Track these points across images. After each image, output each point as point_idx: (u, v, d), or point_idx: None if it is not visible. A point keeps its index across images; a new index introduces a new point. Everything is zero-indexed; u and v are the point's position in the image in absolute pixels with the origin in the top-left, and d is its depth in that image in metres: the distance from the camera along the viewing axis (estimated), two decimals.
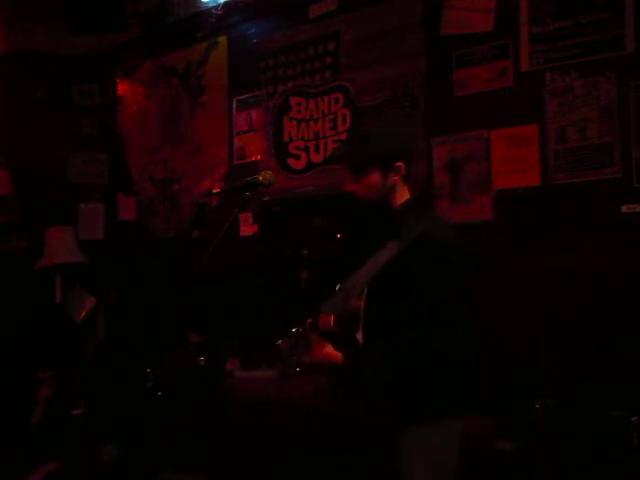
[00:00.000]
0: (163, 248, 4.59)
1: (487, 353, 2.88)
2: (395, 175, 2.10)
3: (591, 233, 2.83)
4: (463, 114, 3.23)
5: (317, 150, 3.78)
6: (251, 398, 3.24)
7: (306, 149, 3.83)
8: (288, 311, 2.40)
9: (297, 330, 2.04)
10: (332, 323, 1.99)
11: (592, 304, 2.77)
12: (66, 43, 4.78)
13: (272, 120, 4.01)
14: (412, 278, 1.95)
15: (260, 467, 2.95)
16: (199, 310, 3.84)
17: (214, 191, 4.03)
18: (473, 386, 2.16)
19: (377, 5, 3.50)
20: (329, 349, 2.01)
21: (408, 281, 1.95)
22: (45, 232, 4.44)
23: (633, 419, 2.36)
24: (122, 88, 4.96)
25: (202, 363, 3.53)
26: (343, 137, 3.65)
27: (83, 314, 4.29)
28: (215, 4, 4.18)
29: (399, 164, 2.10)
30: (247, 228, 4.09)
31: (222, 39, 4.33)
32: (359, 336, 2.06)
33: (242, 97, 4.22)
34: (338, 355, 2.00)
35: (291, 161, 3.91)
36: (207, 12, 4.23)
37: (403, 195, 2.14)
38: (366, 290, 2.02)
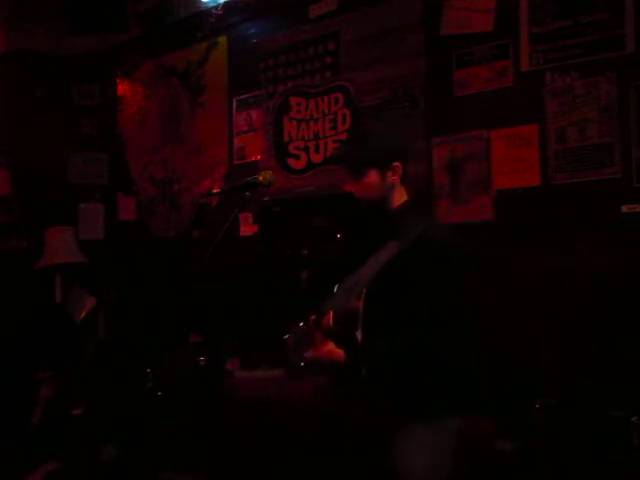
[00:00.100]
0: (163, 248, 4.60)
1: (487, 353, 2.88)
2: (393, 175, 2.11)
3: (591, 233, 2.83)
4: (463, 114, 3.23)
5: (317, 150, 3.78)
6: (251, 398, 3.24)
7: (306, 149, 3.83)
8: (288, 311, 2.40)
9: (301, 326, 2.06)
10: (331, 322, 2.00)
11: (592, 304, 2.77)
12: (66, 43, 4.78)
13: (272, 120, 4.01)
14: (412, 278, 1.96)
15: (260, 467, 2.95)
16: (199, 310, 3.84)
17: (214, 191, 4.03)
18: (472, 385, 2.17)
19: (377, 5, 3.50)
20: (331, 346, 2.03)
21: (408, 281, 1.96)
22: (45, 232, 4.44)
23: (633, 419, 2.36)
24: (122, 88, 4.96)
25: (202, 363, 3.53)
26: (343, 137, 3.65)
27: (83, 314, 4.28)
28: (215, 4, 4.18)
29: (397, 164, 2.11)
30: (247, 228, 4.09)
31: (222, 39, 4.34)
32: (358, 335, 2.06)
33: (242, 97, 4.22)
34: (340, 352, 2.02)
35: (291, 161, 3.91)
36: (207, 12, 4.23)
37: (401, 195, 2.15)
38: (365, 290, 2.03)
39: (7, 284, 4.32)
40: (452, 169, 3.25)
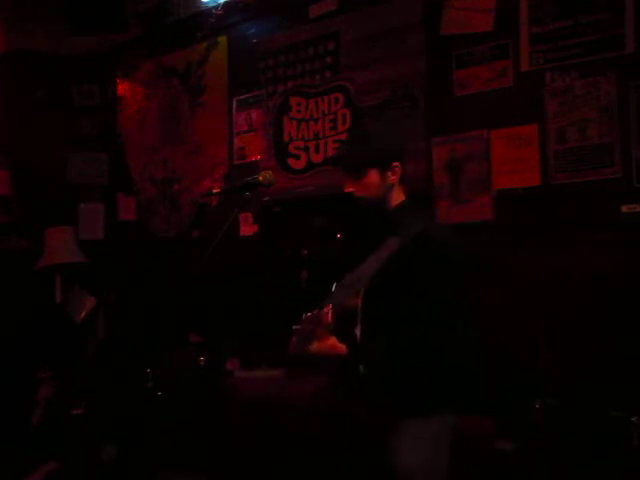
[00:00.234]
0: (163, 248, 4.60)
1: (487, 353, 2.89)
2: (393, 175, 2.12)
3: (591, 233, 2.83)
4: (463, 114, 3.23)
5: (317, 150, 3.78)
6: (251, 398, 3.24)
7: (306, 149, 3.83)
8: (288, 311, 2.40)
9: (309, 317, 2.08)
10: (329, 317, 2.02)
11: (592, 304, 2.77)
12: (66, 43, 4.78)
13: (272, 120, 4.01)
14: (412, 276, 1.97)
15: (260, 467, 2.95)
16: (199, 310, 3.84)
17: (214, 191, 4.02)
18: (469, 382, 2.19)
19: (377, 5, 3.50)
20: (333, 340, 2.05)
21: (408, 279, 1.97)
22: (45, 232, 4.44)
23: (633, 419, 2.36)
24: (122, 88, 4.96)
25: (202, 363, 3.53)
26: (343, 137, 3.65)
27: (83, 314, 4.28)
28: (215, 4, 4.18)
29: (397, 164, 2.12)
30: (247, 228, 4.09)
31: (222, 39, 4.34)
32: (357, 332, 2.07)
33: (242, 97, 4.22)
34: (342, 347, 2.03)
35: (291, 161, 3.91)
36: (207, 12, 4.23)
37: (399, 195, 2.16)
38: (364, 287, 2.04)
39: (7, 284, 4.32)
40: (452, 169, 3.25)
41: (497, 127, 3.12)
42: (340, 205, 2.28)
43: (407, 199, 2.18)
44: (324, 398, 2.89)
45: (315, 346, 2.05)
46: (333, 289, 2.15)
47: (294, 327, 2.12)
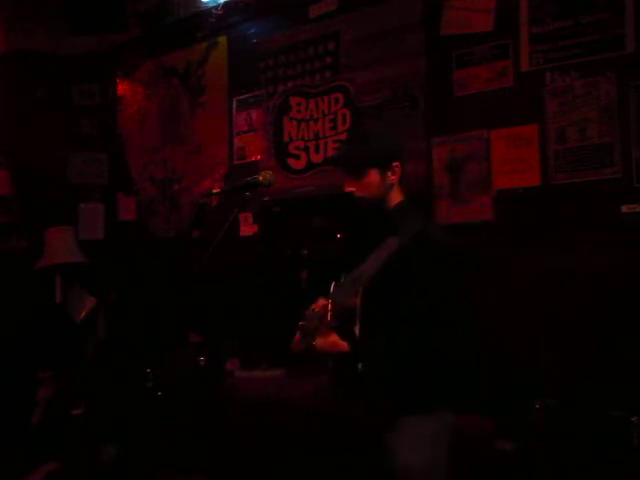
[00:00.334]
0: (163, 248, 4.60)
1: (487, 353, 2.89)
2: (393, 175, 2.13)
3: (591, 233, 2.83)
4: (463, 114, 3.23)
5: (317, 150, 3.78)
6: (251, 398, 3.24)
7: (306, 149, 3.83)
8: (288, 311, 2.40)
9: (313, 313, 2.08)
10: (329, 316, 2.03)
11: (592, 304, 2.77)
12: (66, 43, 4.78)
13: (272, 120, 4.01)
14: (412, 276, 1.97)
15: (260, 467, 2.95)
16: (199, 310, 3.84)
17: (214, 191, 4.03)
18: (469, 382, 2.20)
19: (377, 5, 3.50)
20: (335, 337, 2.06)
21: (408, 278, 1.97)
22: (45, 232, 4.44)
23: (633, 419, 2.36)
24: (122, 88, 4.96)
25: (202, 363, 3.53)
26: (343, 137, 3.65)
27: (83, 314, 4.28)
28: (215, 4, 4.18)
29: (397, 164, 2.13)
30: (247, 228, 4.09)
31: (222, 39, 4.34)
32: (356, 330, 2.08)
33: (242, 97, 4.22)
34: (344, 344, 2.05)
35: (291, 161, 3.91)
36: (207, 12, 4.23)
37: (397, 195, 2.17)
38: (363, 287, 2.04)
39: (7, 284, 4.32)
40: (452, 169, 3.25)
41: (497, 127, 3.12)
42: (340, 205, 2.28)
43: (406, 199, 2.19)
44: (324, 398, 2.89)
45: (319, 342, 2.06)
46: (332, 288, 2.16)
47: (299, 323, 2.13)
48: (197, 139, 4.48)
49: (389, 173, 2.13)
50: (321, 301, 2.20)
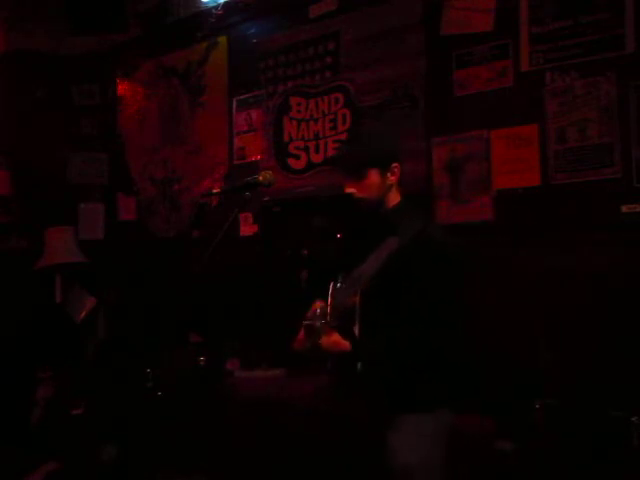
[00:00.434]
0: (163, 248, 4.60)
1: (487, 353, 2.89)
2: (392, 176, 2.14)
3: (591, 233, 2.83)
4: (463, 114, 3.23)
5: (317, 150, 3.78)
6: (251, 398, 3.24)
7: (306, 149, 3.83)
8: (288, 311, 2.40)
9: (318, 313, 2.09)
10: (329, 316, 2.04)
11: (592, 304, 2.77)
12: (66, 43, 4.78)
13: (272, 120, 4.01)
14: (412, 276, 1.98)
15: (260, 467, 2.95)
16: (199, 310, 3.84)
17: (214, 191, 4.03)
18: (468, 381, 2.21)
19: (377, 5, 3.50)
20: (337, 337, 2.07)
21: (408, 278, 1.98)
22: (45, 232, 4.44)
23: (633, 419, 2.36)
24: (122, 88, 4.96)
25: (202, 363, 3.53)
26: (343, 137, 3.65)
27: (83, 314, 4.28)
28: (215, 4, 4.18)
29: (396, 165, 2.15)
30: (247, 228, 4.09)
31: (222, 39, 4.34)
32: (355, 330, 2.09)
33: (242, 97, 4.22)
34: (346, 343, 2.05)
35: (291, 161, 3.91)
36: (207, 12, 4.23)
37: (395, 196, 2.19)
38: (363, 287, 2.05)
39: (7, 284, 4.32)
40: (452, 169, 3.25)
41: (497, 127, 3.12)
42: (340, 205, 2.28)
43: (404, 199, 2.20)
44: (324, 398, 2.89)
45: (324, 341, 2.07)
46: (332, 288, 2.16)
47: (304, 322, 2.12)
48: (197, 139, 4.48)
49: (388, 174, 2.15)
50: (319, 303, 2.20)
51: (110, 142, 5.00)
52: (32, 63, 4.84)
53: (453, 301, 2.05)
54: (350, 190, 2.16)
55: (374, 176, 2.13)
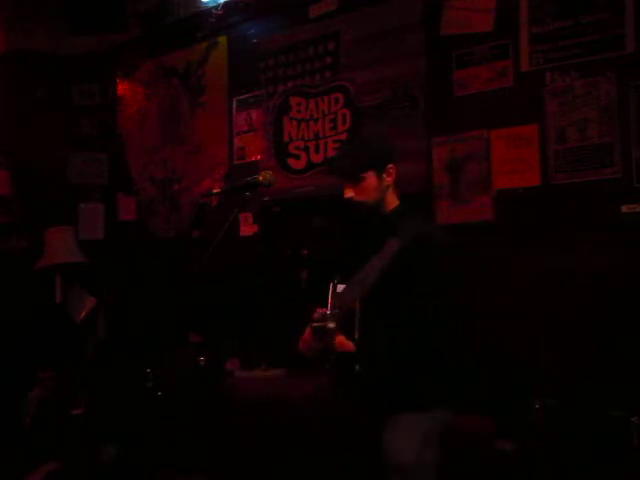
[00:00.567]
0: (163, 248, 4.60)
1: (487, 353, 2.89)
2: (388, 177, 2.16)
3: (591, 233, 2.83)
4: (463, 114, 3.23)
5: (317, 150, 3.78)
6: (251, 398, 3.24)
7: (306, 149, 3.83)
8: (288, 311, 2.40)
9: (328, 314, 2.09)
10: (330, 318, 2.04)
11: (592, 304, 2.77)
12: (66, 43, 4.78)
13: (272, 120, 4.01)
14: (413, 276, 1.98)
15: (260, 467, 2.95)
16: (199, 310, 3.84)
17: (214, 191, 4.03)
18: (465, 380, 2.22)
19: (377, 5, 3.50)
20: (342, 338, 2.09)
21: (409, 279, 1.98)
22: (45, 232, 4.44)
23: (633, 419, 2.36)
24: (122, 88, 4.95)
25: (202, 363, 3.53)
26: (343, 137, 3.65)
27: (83, 314, 4.28)
28: (215, 4, 4.18)
29: (391, 166, 2.16)
30: (247, 228, 4.09)
31: (222, 39, 4.33)
32: (355, 332, 2.09)
33: (242, 97, 4.22)
34: (350, 344, 2.05)
35: (291, 161, 3.91)
36: (207, 12, 4.23)
37: (393, 197, 2.20)
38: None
39: (7, 284, 4.32)
40: (452, 169, 3.25)
41: (497, 127, 3.12)
42: (340, 205, 2.29)
43: (403, 200, 2.21)
44: (324, 398, 2.89)
45: (337, 342, 2.06)
46: (332, 289, 2.16)
47: (314, 325, 2.12)
48: (197, 139, 4.48)
49: (385, 175, 2.17)
50: (320, 309, 2.20)
51: (110, 142, 5.00)
52: (32, 63, 4.84)
53: (453, 301, 2.06)
54: (349, 194, 2.17)
55: (371, 179, 2.15)
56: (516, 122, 3.06)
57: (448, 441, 2.21)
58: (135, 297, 4.40)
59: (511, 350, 2.91)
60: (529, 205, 3.01)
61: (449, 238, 2.18)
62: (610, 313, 2.73)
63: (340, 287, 2.15)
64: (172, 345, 3.74)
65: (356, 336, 2.08)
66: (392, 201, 2.21)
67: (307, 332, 2.22)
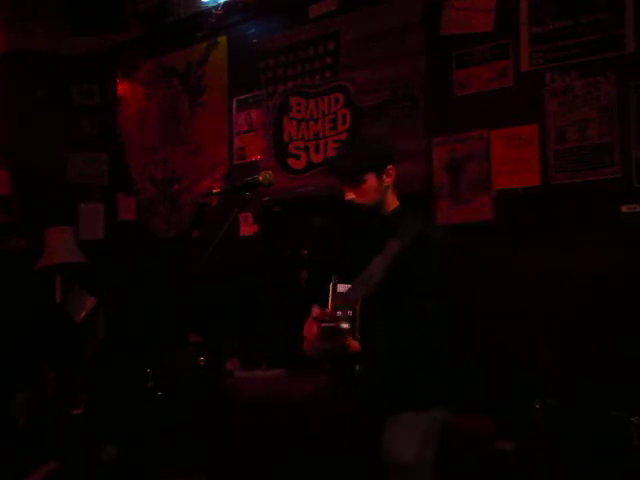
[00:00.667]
0: (163, 248, 4.60)
1: (487, 352, 2.89)
2: (388, 178, 2.16)
3: (591, 233, 2.83)
4: (463, 114, 3.23)
5: (317, 150, 3.78)
6: (251, 398, 3.24)
7: (306, 149, 3.83)
8: (288, 311, 2.40)
9: (340, 315, 2.09)
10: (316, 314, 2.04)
11: (592, 304, 2.77)
12: (66, 43, 4.78)
13: (272, 120, 4.01)
14: (414, 276, 1.99)
15: (260, 467, 2.95)
16: (199, 310, 3.84)
17: (214, 191, 4.02)
18: (464, 379, 2.22)
19: (377, 5, 3.50)
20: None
21: (409, 279, 1.99)
22: (45, 232, 4.44)
23: (633, 419, 2.36)
24: (122, 88, 4.95)
25: (202, 363, 3.53)
26: (343, 137, 3.65)
27: (83, 314, 4.28)
28: (215, 4, 4.18)
29: (391, 167, 2.16)
30: (247, 228, 4.09)
31: (222, 39, 4.33)
32: (356, 332, 2.09)
33: (242, 97, 4.22)
34: (355, 344, 2.06)
35: (291, 161, 3.91)
36: (207, 12, 4.23)
37: (393, 197, 2.20)
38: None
39: (7, 284, 4.31)
40: (452, 169, 3.25)
41: (497, 127, 3.12)
42: (340, 205, 2.29)
43: (402, 200, 2.21)
44: (324, 398, 2.89)
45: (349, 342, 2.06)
46: (332, 289, 2.16)
47: (323, 325, 2.10)
48: (197, 139, 4.48)
49: (384, 176, 2.17)
50: (317, 308, 2.20)
51: (110, 142, 5.00)
52: (32, 63, 4.83)
53: (453, 301, 2.07)
54: (350, 197, 2.17)
55: (372, 180, 2.16)
56: (516, 122, 3.06)
57: (448, 441, 2.21)
58: (135, 297, 4.40)
59: (511, 350, 2.91)
60: (529, 205, 3.01)
61: (449, 238, 2.18)
62: (610, 313, 2.73)
63: (340, 287, 2.15)
64: (172, 345, 3.74)
65: (357, 336, 2.08)
66: (392, 202, 2.22)
67: (310, 331, 2.19)
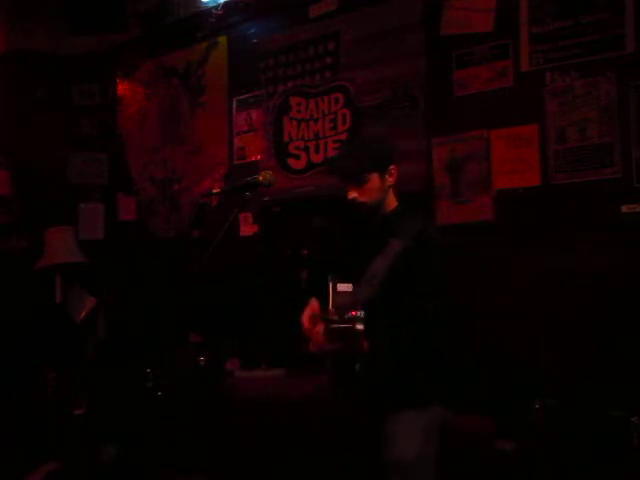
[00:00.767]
0: (163, 248, 4.60)
1: (487, 352, 2.89)
2: (390, 177, 2.17)
3: (591, 233, 2.83)
4: (463, 114, 3.23)
5: (317, 150, 3.78)
6: (251, 398, 3.24)
7: (306, 149, 3.83)
8: (288, 311, 2.40)
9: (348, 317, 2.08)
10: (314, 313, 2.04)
11: (592, 304, 2.77)
12: (66, 43, 4.78)
13: (272, 120, 4.01)
14: (414, 276, 1.99)
15: (260, 467, 2.95)
16: (199, 310, 3.84)
17: (214, 191, 4.03)
18: (461, 377, 2.23)
19: (377, 5, 3.50)
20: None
21: (410, 278, 1.99)
22: (45, 232, 4.44)
23: (633, 419, 2.36)
24: (122, 88, 4.96)
25: (202, 363, 3.53)
26: (343, 137, 3.65)
27: (83, 314, 4.28)
28: (215, 4, 4.18)
29: (393, 167, 2.17)
30: (247, 228, 4.09)
31: (222, 39, 4.33)
32: None
33: (242, 97, 4.22)
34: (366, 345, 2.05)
35: (291, 161, 3.91)
36: (207, 12, 4.23)
37: (393, 197, 2.21)
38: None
39: (7, 284, 4.31)
40: (452, 169, 3.25)
41: (497, 127, 3.12)
42: (340, 205, 2.29)
43: (402, 200, 2.22)
44: (324, 398, 2.89)
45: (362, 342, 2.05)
46: (332, 289, 2.16)
47: (333, 326, 2.08)
48: (197, 139, 4.48)
49: (387, 176, 2.18)
50: (315, 302, 2.20)
51: (110, 142, 5.00)
52: (32, 63, 4.83)
53: (453, 301, 2.07)
54: (353, 196, 2.18)
55: (375, 180, 2.16)
56: (516, 122, 3.06)
57: (448, 441, 2.21)
58: (135, 297, 4.40)
59: (511, 350, 2.91)
60: (529, 205, 3.01)
61: (448, 238, 2.18)
62: (610, 313, 2.73)
63: (340, 287, 2.15)
64: (172, 345, 3.74)
65: None
66: (392, 201, 2.22)
67: (313, 330, 2.16)
